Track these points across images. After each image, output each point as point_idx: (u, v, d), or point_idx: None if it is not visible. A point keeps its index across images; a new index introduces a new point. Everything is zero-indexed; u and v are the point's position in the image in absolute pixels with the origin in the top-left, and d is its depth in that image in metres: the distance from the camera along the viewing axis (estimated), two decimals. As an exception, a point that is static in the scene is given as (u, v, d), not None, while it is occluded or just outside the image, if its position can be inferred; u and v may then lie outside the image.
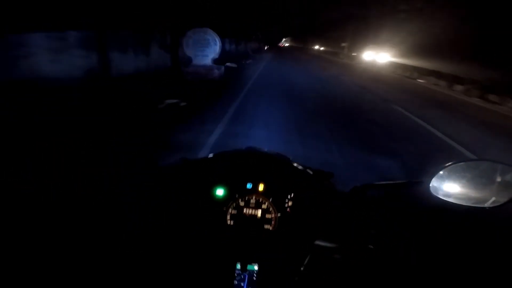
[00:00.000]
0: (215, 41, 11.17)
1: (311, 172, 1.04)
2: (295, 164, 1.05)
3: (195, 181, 0.99)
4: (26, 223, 0.83)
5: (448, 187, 0.81)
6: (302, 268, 0.87)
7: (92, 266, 0.85)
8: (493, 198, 0.77)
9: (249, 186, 0.98)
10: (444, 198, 0.81)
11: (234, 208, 0.97)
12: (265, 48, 46.55)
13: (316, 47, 60.34)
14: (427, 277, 0.82)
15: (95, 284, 0.85)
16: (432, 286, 0.81)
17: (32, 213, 0.85)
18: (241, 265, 0.88)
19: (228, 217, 0.96)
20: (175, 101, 6.97)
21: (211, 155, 1.08)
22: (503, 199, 0.76)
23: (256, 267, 0.89)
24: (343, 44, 35.17)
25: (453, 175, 0.80)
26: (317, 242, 0.89)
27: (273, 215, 0.96)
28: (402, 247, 0.88)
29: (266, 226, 0.96)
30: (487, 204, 0.78)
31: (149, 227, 0.94)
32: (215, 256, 0.91)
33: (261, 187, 0.98)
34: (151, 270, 0.89)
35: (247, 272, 0.88)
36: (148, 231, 0.93)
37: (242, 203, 0.97)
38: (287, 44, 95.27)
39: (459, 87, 13.71)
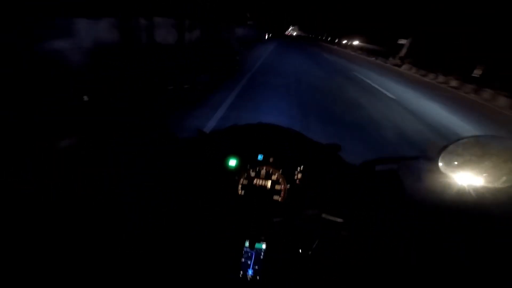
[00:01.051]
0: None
1: (320, 145, 1.06)
2: (304, 137, 1.07)
3: (210, 152, 1.03)
4: (26, 223, 0.82)
5: (457, 163, 0.78)
6: (310, 252, 0.89)
7: (97, 253, 0.87)
8: (504, 178, 0.73)
9: (260, 157, 1.02)
10: (452, 174, 0.79)
11: (245, 178, 1.01)
12: (266, 37, 34.14)
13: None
14: (432, 257, 0.82)
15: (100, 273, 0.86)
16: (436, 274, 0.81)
17: (34, 210, 0.84)
18: (249, 243, 0.91)
19: (240, 187, 1.00)
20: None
21: (224, 128, 1.11)
22: None
23: (264, 246, 0.92)
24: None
25: (462, 151, 0.77)
26: (324, 215, 0.91)
27: (282, 187, 0.99)
28: (408, 227, 0.87)
29: (276, 197, 0.99)
30: (497, 183, 0.74)
31: (166, 195, 0.97)
32: (225, 231, 0.95)
33: (271, 159, 1.01)
34: (161, 247, 0.92)
35: (255, 250, 0.91)
36: (164, 200, 0.96)
37: (253, 174, 1.01)
38: (294, 33, 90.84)
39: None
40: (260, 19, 32.02)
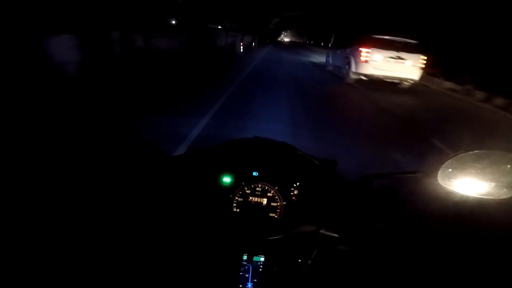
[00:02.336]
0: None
1: (316, 161, 1.04)
2: (300, 153, 1.06)
3: (203, 169, 1.01)
4: (26, 223, 0.84)
5: (457, 178, 0.78)
6: (309, 262, 0.88)
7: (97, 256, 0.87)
8: (504, 190, 0.74)
9: (255, 174, 1.00)
10: (452, 189, 0.78)
11: (240, 196, 0.99)
12: (252, 45, 25.59)
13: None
14: (433, 270, 0.80)
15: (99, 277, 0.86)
16: (439, 279, 0.78)
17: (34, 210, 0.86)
18: (247, 256, 0.90)
19: (235, 204, 0.98)
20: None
21: (217, 144, 1.10)
22: None
23: (262, 259, 0.90)
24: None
25: (462, 165, 0.76)
26: (322, 231, 0.89)
27: (278, 203, 0.97)
28: (407, 239, 0.85)
29: (272, 214, 0.97)
30: (497, 196, 0.74)
31: (159, 215, 0.96)
32: (221, 246, 0.93)
33: (266, 175, 0.99)
34: (157, 261, 0.91)
35: (253, 263, 0.89)
36: (157, 219, 0.95)
37: (248, 191, 0.99)
38: (286, 39, 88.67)
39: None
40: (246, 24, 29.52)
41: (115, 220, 0.92)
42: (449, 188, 0.78)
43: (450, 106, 8.96)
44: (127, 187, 1.00)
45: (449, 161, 0.77)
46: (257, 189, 0.99)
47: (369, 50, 9.04)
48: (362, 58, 9.13)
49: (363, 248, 0.88)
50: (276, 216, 0.96)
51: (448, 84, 12.57)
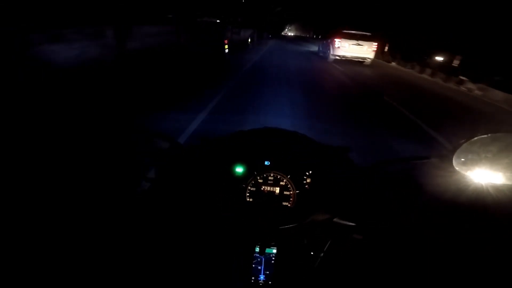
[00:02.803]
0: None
1: (328, 148, 1.04)
2: (312, 141, 1.05)
3: (215, 159, 1.00)
4: (27, 223, 0.83)
5: (472, 162, 0.76)
6: (322, 254, 0.88)
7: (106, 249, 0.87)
8: None
9: (267, 163, 0.99)
10: (467, 174, 0.77)
11: (253, 185, 0.98)
12: (249, 41, 20.72)
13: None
14: (447, 259, 0.80)
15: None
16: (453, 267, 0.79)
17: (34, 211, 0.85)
18: (260, 248, 0.89)
19: (247, 194, 0.97)
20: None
21: (229, 135, 1.09)
22: None
23: (274, 251, 0.90)
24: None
25: (477, 149, 0.75)
26: (336, 220, 0.89)
27: (291, 192, 0.96)
28: (421, 226, 0.86)
29: (285, 203, 0.96)
30: None
31: (173, 206, 0.95)
32: (234, 237, 0.93)
33: (279, 164, 0.98)
34: (169, 252, 0.92)
35: (265, 255, 0.89)
36: (171, 210, 0.95)
37: (260, 180, 0.98)
38: (291, 34, 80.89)
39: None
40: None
41: (129, 212, 0.92)
42: (464, 173, 0.77)
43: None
44: (141, 180, 0.99)
45: (463, 145, 0.75)
46: (270, 178, 0.98)
47: (340, 40, 14.43)
48: (336, 46, 14.55)
49: (378, 236, 0.89)
50: (289, 205, 0.96)
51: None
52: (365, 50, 14.45)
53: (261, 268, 0.88)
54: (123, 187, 0.97)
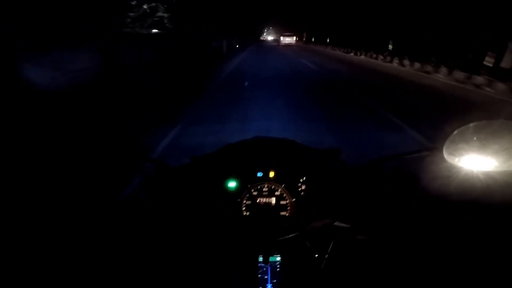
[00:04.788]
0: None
1: (319, 152, 1.04)
2: (301, 146, 1.04)
3: (206, 177, 0.97)
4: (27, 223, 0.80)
5: (462, 152, 0.77)
6: (326, 256, 0.87)
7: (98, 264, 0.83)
8: (510, 161, 0.72)
9: (259, 174, 0.96)
10: (459, 164, 0.78)
11: (248, 199, 0.95)
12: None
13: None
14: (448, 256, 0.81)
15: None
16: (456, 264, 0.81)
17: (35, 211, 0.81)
18: (263, 258, 0.87)
19: (244, 208, 0.95)
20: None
21: (218, 150, 1.06)
22: None
23: (278, 258, 0.88)
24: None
25: (465, 139, 0.76)
26: (337, 223, 0.89)
27: (288, 201, 0.95)
28: (420, 223, 0.87)
29: (282, 213, 0.94)
30: (506, 167, 0.72)
31: (167, 229, 0.92)
32: (235, 252, 0.90)
33: (271, 174, 0.96)
34: (170, 270, 0.89)
35: (269, 264, 0.87)
36: (166, 233, 0.92)
37: (255, 193, 0.95)
38: (270, 38, 64.63)
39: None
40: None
41: (121, 237, 0.88)
42: (455, 161, 0.78)
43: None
44: (130, 203, 0.97)
45: (451, 136, 0.77)
46: (264, 189, 0.96)
47: (281, 37, 39.72)
48: (281, 38, 38.85)
49: (381, 234, 0.89)
50: (287, 214, 0.94)
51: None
52: (291, 40, 37.85)
53: (268, 277, 0.86)
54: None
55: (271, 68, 13.88)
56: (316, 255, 0.88)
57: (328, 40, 32.91)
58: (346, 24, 25.76)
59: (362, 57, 21.13)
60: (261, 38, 61.84)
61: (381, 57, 18.34)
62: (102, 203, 0.91)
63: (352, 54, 23.19)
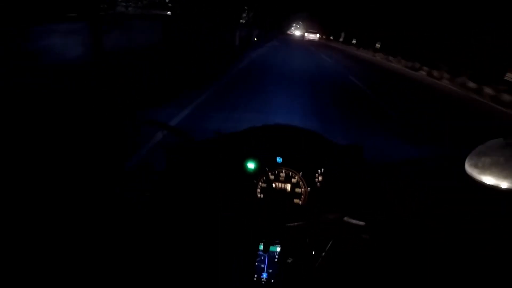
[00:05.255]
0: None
1: (341, 147, 1.03)
2: (325, 139, 1.04)
3: (228, 154, 0.98)
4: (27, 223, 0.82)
5: (485, 166, 0.73)
6: (323, 254, 0.87)
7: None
8: None
9: (279, 160, 0.97)
10: (480, 179, 0.73)
11: (264, 182, 0.96)
12: None
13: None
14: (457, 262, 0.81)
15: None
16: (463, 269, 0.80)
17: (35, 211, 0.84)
18: (263, 246, 0.88)
19: (258, 190, 0.96)
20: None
21: (241, 130, 1.06)
22: None
23: (278, 249, 0.89)
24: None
25: (490, 153, 0.73)
26: (346, 219, 0.88)
27: (303, 189, 0.96)
28: (433, 228, 0.86)
29: (296, 201, 0.96)
30: None
31: (182, 199, 0.94)
32: (236, 236, 0.91)
33: (291, 161, 0.97)
34: (174, 247, 0.90)
35: (269, 253, 0.88)
36: (180, 203, 0.93)
37: (272, 177, 0.97)
38: (298, 33, 58.40)
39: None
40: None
41: (134, 209, 0.91)
42: (476, 174, 0.74)
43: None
44: (151, 173, 0.98)
45: (476, 148, 0.74)
46: (281, 175, 0.97)
47: (306, 33, 42.63)
48: (306, 34, 41.04)
49: (386, 236, 0.88)
50: (300, 202, 0.96)
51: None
52: (315, 36, 38.63)
53: (264, 266, 0.87)
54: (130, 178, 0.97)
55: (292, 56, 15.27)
56: (314, 252, 0.88)
57: (342, 39, 38.61)
58: (357, 25, 30.94)
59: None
60: (288, 32, 59.71)
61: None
62: (102, 192, 0.94)
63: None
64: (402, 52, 17.83)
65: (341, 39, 38.24)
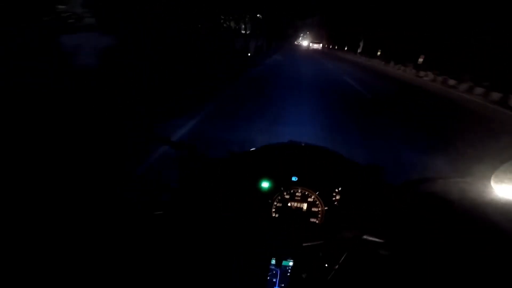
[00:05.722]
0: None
1: (360, 166, 1.01)
2: (342, 158, 1.02)
3: (242, 174, 0.97)
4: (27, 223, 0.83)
5: (509, 185, 0.74)
6: (336, 267, 0.85)
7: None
8: None
9: (294, 179, 0.96)
10: (506, 195, 0.75)
11: (279, 201, 0.95)
12: None
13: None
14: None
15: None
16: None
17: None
18: (276, 260, 0.86)
19: (274, 209, 0.94)
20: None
21: (256, 149, 1.06)
22: None
23: (291, 263, 0.87)
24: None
25: None
26: (365, 237, 0.86)
27: (319, 209, 0.94)
28: (452, 248, 0.84)
29: (312, 220, 0.94)
30: None
31: (196, 218, 0.93)
32: (255, 251, 0.90)
33: (307, 180, 0.95)
34: (188, 263, 0.90)
35: (281, 267, 0.86)
36: (194, 223, 0.93)
37: (287, 196, 0.95)
38: (305, 43, 58.27)
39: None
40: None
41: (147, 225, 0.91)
42: (502, 194, 0.75)
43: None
44: (165, 191, 0.99)
45: (503, 166, 0.74)
46: (297, 194, 0.95)
47: (311, 43, 52.74)
48: (310, 44, 51.89)
49: (405, 253, 0.86)
50: (317, 222, 0.94)
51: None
52: (319, 45, 47.67)
53: (276, 280, 0.86)
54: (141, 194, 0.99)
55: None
56: (326, 265, 0.86)
57: (346, 48, 43.89)
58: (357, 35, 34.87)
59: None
60: (295, 42, 64.56)
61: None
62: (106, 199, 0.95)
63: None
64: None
65: (359, 50, 34.36)
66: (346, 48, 42.76)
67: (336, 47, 50.07)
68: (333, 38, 51.11)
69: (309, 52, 35.30)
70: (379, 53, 27.95)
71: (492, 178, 0.76)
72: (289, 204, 0.94)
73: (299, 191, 0.95)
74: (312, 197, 0.94)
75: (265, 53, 18.50)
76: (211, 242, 0.92)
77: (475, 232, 0.82)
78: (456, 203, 0.88)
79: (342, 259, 0.86)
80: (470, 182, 0.85)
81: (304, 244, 0.88)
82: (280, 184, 0.95)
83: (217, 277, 0.88)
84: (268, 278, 0.86)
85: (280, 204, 0.94)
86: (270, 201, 0.94)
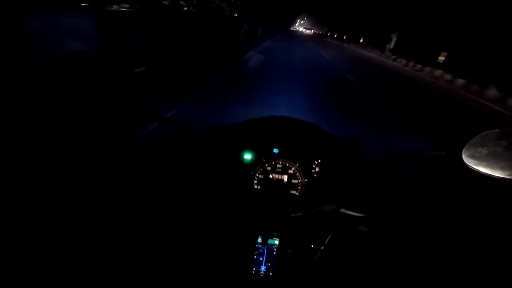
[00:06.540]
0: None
1: (339, 139, 1.03)
2: (322, 131, 1.03)
3: (225, 146, 0.98)
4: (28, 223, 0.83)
5: (482, 156, 0.75)
6: (322, 248, 0.88)
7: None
8: None
9: (275, 151, 0.97)
10: (477, 168, 0.76)
11: (261, 173, 0.97)
12: None
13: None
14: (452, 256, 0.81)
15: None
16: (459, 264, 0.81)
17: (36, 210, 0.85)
18: (262, 239, 0.88)
19: (255, 181, 0.96)
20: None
21: (238, 122, 1.06)
22: None
23: (277, 242, 0.89)
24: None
25: (487, 143, 0.74)
26: (343, 210, 0.89)
27: (299, 180, 0.96)
28: (429, 221, 0.87)
29: (293, 191, 0.96)
30: None
31: (181, 190, 0.95)
32: (238, 227, 0.92)
33: (287, 152, 0.97)
34: (170, 240, 0.92)
35: (267, 246, 0.88)
36: (181, 193, 0.94)
37: (269, 168, 0.97)
38: (302, 29, 73.32)
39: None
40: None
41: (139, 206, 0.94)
42: (473, 167, 0.76)
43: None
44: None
45: (473, 139, 0.75)
46: (278, 166, 0.97)
47: (303, 29, 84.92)
48: (304, 30, 78.52)
49: (384, 227, 0.89)
50: (297, 194, 0.96)
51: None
52: (310, 32, 70.68)
53: (263, 259, 0.87)
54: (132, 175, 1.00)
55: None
56: (312, 246, 0.89)
57: (335, 35, 50.96)
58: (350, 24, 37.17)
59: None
60: (291, 28, 77.26)
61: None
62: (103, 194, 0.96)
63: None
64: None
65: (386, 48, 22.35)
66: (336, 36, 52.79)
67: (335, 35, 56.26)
68: (329, 26, 63.94)
69: (302, 37, 42.92)
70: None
71: (463, 151, 0.77)
72: (270, 176, 0.96)
73: (280, 163, 0.97)
74: (293, 169, 0.96)
75: (257, 38, 17.57)
76: (199, 223, 0.95)
77: (448, 204, 0.85)
78: (431, 175, 0.91)
79: (327, 240, 0.88)
80: (445, 155, 0.87)
81: (284, 215, 0.90)
82: (262, 156, 0.96)
83: (207, 258, 0.91)
84: (255, 257, 0.87)
85: (262, 176, 0.96)
86: (252, 172, 0.96)
